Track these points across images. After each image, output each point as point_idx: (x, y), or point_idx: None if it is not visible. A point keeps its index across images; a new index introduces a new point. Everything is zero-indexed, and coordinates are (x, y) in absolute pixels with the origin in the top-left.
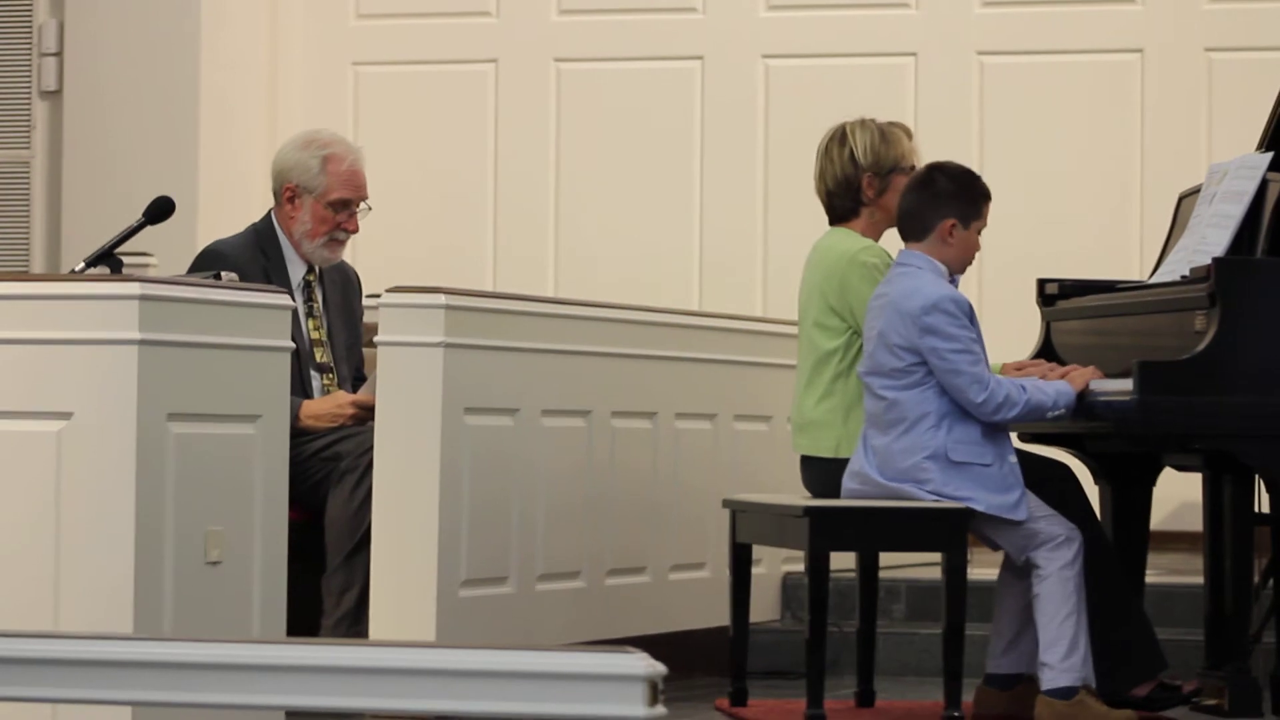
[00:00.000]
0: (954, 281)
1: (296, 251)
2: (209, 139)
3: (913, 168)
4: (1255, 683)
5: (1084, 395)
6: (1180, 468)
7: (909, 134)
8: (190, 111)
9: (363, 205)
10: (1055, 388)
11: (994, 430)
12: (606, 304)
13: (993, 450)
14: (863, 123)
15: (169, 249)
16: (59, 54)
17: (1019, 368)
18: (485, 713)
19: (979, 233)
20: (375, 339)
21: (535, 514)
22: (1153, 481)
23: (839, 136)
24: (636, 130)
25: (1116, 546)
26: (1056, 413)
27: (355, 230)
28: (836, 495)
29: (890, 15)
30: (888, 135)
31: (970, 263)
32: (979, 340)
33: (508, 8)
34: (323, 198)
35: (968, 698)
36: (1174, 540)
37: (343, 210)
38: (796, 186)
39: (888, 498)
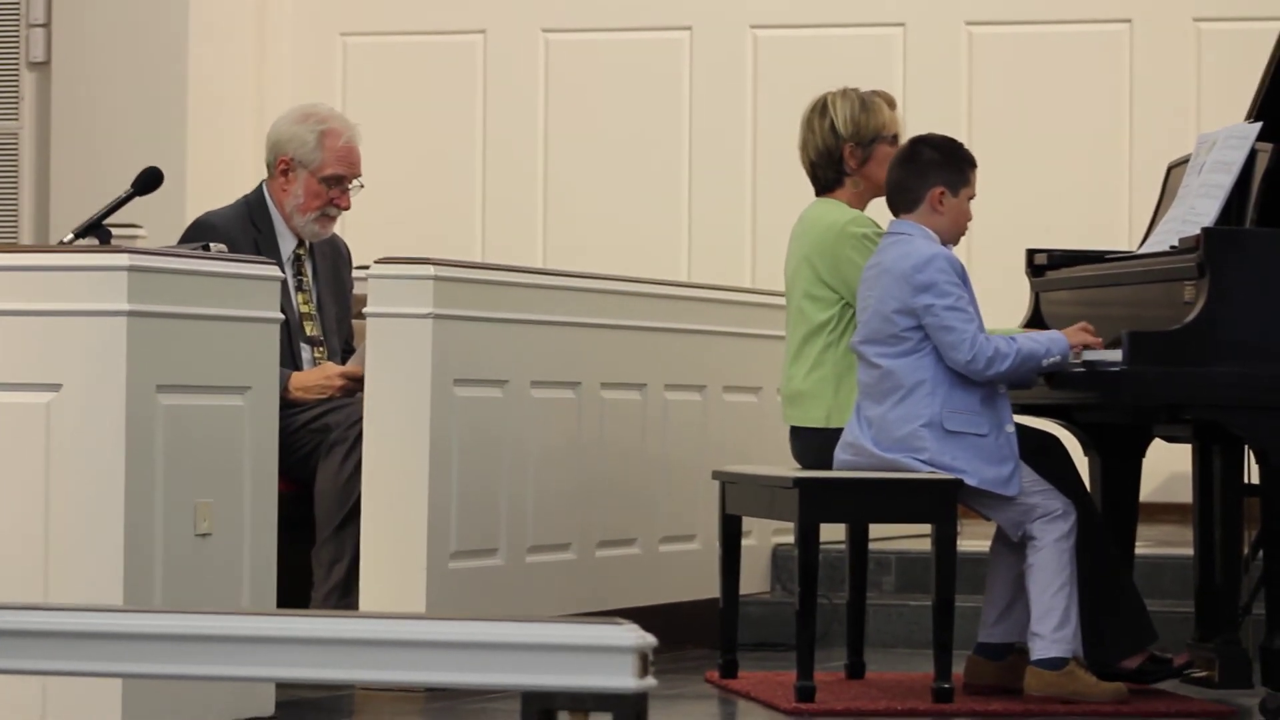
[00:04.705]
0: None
1: (287, 224)
2: (197, 110)
3: (895, 137)
4: (1245, 654)
5: (1074, 363)
6: (1170, 439)
7: (891, 103)
8: (178, 82)
9: (355, 183)
10: (1048, 335)
11: (993, 399)
12: (595, 275)
13: (989, 420)
14: (844, 93)
15: (158, 220)
16: (47, 25)
17: None
18: (475, 685)
19: (969, 201)
20: (364, 310)
21: (525, 486)
22: (1142, 453)
23: (820, 107)
24: (625, 100)
25: (1106, 518)
26: (1052, 359)
27: (347, 207)
28: (827, 466)
29: None
30: (869, 104)
31: (963, 232)
32: (972, 301)
33: None
34: (317, 172)
35: (958, 669)
36: (1164, 512)
37: (336, 186)
38: (785, 157)
39: (882, 469)
